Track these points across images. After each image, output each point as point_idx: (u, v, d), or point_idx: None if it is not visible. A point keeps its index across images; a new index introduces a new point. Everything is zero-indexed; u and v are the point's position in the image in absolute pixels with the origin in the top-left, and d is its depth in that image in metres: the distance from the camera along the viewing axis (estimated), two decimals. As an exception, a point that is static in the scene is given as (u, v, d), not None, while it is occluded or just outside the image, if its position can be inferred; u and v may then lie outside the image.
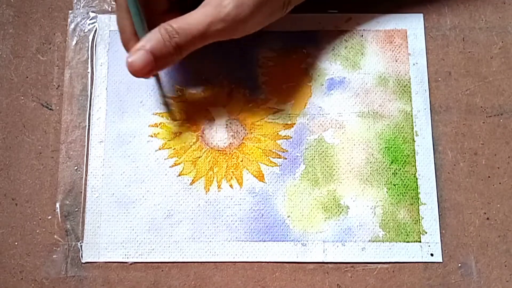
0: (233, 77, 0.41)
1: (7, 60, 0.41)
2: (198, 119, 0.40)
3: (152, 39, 0.34)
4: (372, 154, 0.40)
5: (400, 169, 0.39)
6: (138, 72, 0.34)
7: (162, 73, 0.41)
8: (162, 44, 0.34)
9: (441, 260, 0.38)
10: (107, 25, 0.42)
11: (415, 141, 0.40)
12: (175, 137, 0.40)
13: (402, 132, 0.40)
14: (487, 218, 0.39)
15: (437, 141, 0.40)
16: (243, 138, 0.40)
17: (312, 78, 0.41)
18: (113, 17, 0.42)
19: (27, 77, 0.41)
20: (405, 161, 0.40)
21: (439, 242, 0.38)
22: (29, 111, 0.40)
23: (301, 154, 0.40)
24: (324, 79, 0.41)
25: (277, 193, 0.39)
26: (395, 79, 0.41)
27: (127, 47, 0.37)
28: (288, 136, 0.40)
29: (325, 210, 0.39)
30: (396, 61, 0.41)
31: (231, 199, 0.39)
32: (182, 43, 0.34)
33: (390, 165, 0.39)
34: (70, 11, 0.42)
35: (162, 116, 0.40)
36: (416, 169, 0.39)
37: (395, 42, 0.42)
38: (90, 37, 0.42)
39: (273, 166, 0.39)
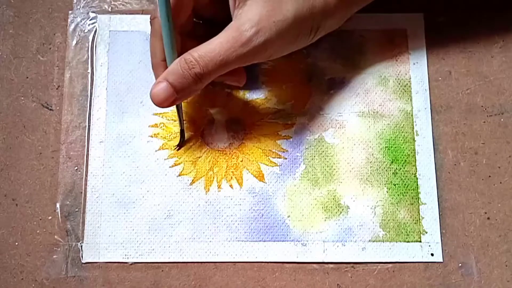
0: (233, 77, 0.41)
1: (7, 61, 0.41)
2: (198, 119, 0.40)
3: (172, 72, 0.34)
4: (372, 154, 0.40)
5: (401, 168, 0.39)
6: (161, 103, 0.35)
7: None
8: (181, 76, 0.34)
9: (441, 260, 0.38)
10: (107, 25, 0.42)
11: (415, 140, 0.40)
12: (175, 137, 0.40)
13: (402, 132, 0.40)
14: (488, 218, 0.39)
15: (438, 141, 0.40)
16: (243, 138, 0.40)
17: (312, 78, 0.41)
18: (113, 17, 0.42)
19: (27, 77, 0.41)
20: (405, 160, 0.39)
21: (440, 242, 0.38)
22: (29, 112, 0.41)
23: (301, 154, 0.40)
24: (324, 79, 0.41)
25: (277, 193, 0.39)
26: (395, 79, 0.41)
27: (156, 72, 0.37)
28: (288, 136, 0.40)
29: (325, 210, 0.39)
30: (396, 60, 0.41)
31: (231, 199, 0.39)
32: (202, 72, 0.34)
33: (390, 165, 0.39)
34: (70, 12, 0.42)
35: (162, 117, 0.40)
36: (416, 168, 0.39)
37: (395, 42, 0.42)
38: (90, 38, 0.42)
39: (273, 166, 0.39)
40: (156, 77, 0.36)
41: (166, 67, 0.35)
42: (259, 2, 0.34)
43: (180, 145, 0.40)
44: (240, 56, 0.34)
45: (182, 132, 0.39)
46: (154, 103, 0.35)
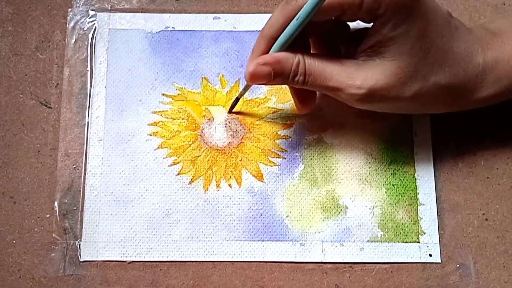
0: (233, 76, 0.41)
1: (6, 58, 0.41)
2: (197, 118, 0.40)
3: (280, 62, 0.33)
4: (371, 155, 0.40)
5: (399, 169, 0.39)
6: (253, 81, 0.34)
7: (161, 72, 0.41)
8: (286, 74, 0.33)
9: (439, 261, 0.38)
10: (107, 23, 0.42)
11: (414, 141, 0.40)
12: (174, 136, 0.40)
13: (401, 133, 0.40)
14: (486, 219, 0.39)
15: (436, 142, 0.40)
16: (242, 137, 0.40)
17: (312, 77, 0.41)
18: (113, 15, 0.42)
19: (26, 75, 0.41)
20: (404, 161, 0.40)
21: (438, 243, 0.38)
22: (28, 109, 0.40)
23: (300, 154, 0.40)
24: (323, 79, 0.41)
25: (276, 193, 0.39)
26: (395, 79, 0.41)
27: (258, 43, 0.35)
28: (287, 136, 0.40)
29: (323, 210, 0.39)
30: (396, 61, 0.41)
31: (230, 198, 0.39)
32: (303, 82, 0.33)
33: (389, 166, 0.39)
34: (69, 9, 0.42)
35: (161, 115, 0.40)
36: (415, 169, 0.39)
37: (395, 42, 0.41)
38: (90, 35, 0.42)
39: (272, 166, 0.39)
40: (256, 48, 0.35)
41: (270, 45, 0.34)
42: (396, 64, 0.32)
43: (230, 110, 0.40)
44: (351, 95, 0.33)
45: (237, 99, 0.39)
46: (246, 77, 0.34)
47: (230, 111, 0.40)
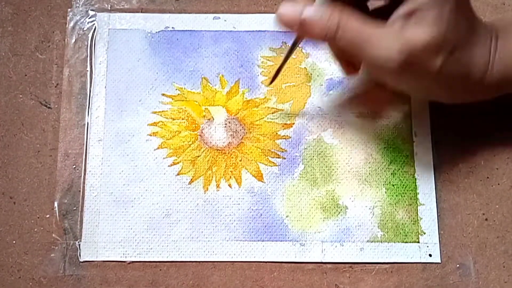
0: (232, 76, 0.41)
1: (6, 58, 0.41)
2: (197, 118, 0.40)
3: (317, 14, 0.32)
4: (371, 155, 0.40)
5: (399, 169, 0.39)
6: (281, 23, 0.33)
7: (161, 72, 0.41)
8: (319, 25, 0.32)
9: (439, 261, 0.38)
10: (106, 23, 0.42)
11: (414, 141, 0.40)
12: (174, 136, 0.40)
13: (401, 133, 0.40)
14: (486, 219, 0.39)
15: (436, 141, 0.40)
16: (242, 137, 0.40)
17: (312, 78, 0.41)
18: (112, 15, 0.42)
19: (25, 75, 0.41)
20: (404, 161, 0.40)
21: (438, 243, 0.38)
22: (27, 109, 0.40)
23: (300, 154, 0.40)
24: (323, 79, 0.41)
25: (275, 193, 0.39)
26: (395, 80, 0.41)
27: None
28: (287, 136, 0.40)
29: (323, 210, 0.39)
30: (396, 61, 0.41)
31: (230, 198, 0.39)
32: (334, 38, 0.32)
33: (389, 166, 0.39)
34: (69, 9, 0.42)
35: (161, 115, 0.40)
36: (415, 169, 0.39)
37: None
38: (89, 36, 0.42)
39: (272, 166, 0.39)
40: None
41: None
42: (435, 30, 0.31)
43: (272, 81, 0.39)
44: (382, 58, 0.32)
45: (278, 70, 0.38)
46: (276, 17, 0.33)
47: (271, 82, 0.39)
